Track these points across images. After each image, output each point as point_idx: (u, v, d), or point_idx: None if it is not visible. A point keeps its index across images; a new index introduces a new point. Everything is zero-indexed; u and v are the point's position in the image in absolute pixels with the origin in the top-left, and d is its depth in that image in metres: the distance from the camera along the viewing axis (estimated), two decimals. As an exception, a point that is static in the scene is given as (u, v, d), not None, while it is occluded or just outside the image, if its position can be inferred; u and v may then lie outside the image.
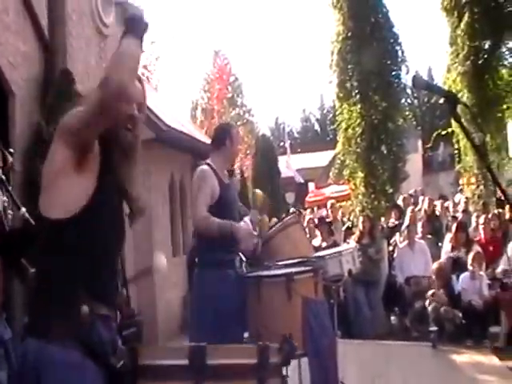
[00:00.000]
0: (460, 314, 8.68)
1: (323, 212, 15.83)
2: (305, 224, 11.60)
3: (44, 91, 7.11)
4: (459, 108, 2.37)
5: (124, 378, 2.28)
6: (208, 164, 5.04)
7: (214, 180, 4.92)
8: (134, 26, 2.23)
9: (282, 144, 43.30)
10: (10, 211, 4.08)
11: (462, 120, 2.50)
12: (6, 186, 4.12)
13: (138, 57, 2.22)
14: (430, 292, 8.95)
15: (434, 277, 9.19)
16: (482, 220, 10.28)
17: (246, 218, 5.96)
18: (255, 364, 2.39)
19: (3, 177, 4.20)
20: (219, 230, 4.75)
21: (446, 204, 14.05)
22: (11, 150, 4.69)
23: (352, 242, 9.69)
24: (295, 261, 5.16)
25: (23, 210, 3.97)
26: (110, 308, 2.37)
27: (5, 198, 4.07)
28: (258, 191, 8.41)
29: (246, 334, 4.71)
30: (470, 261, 9.00)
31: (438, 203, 13.81)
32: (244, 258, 5.09)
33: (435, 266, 9.28)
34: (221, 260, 4.80)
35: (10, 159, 4.45)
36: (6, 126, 6.68)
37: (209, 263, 4.88)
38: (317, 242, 10.29)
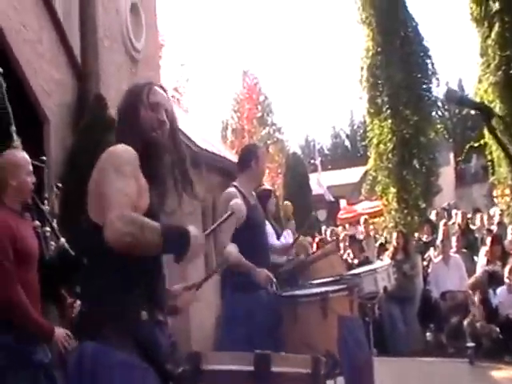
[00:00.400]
0: (497, 329, 8.56)
1: (356, 229, 15.77)
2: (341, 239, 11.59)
3: (77, 117, 7.24)
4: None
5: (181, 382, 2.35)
6: (235, 186, 5.07)
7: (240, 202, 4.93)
8: (175, 247, 2.31)
9: (312, 161, 43.28)
10: (51, 242, 4.16)
11: (497, 131, 2.50)
12: (48, 218, 4.21)
13: (150, 244, 2.25)
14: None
15: (470, 292, 9.08)
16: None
17: (286, 233, 6.02)
18: (309, 374, 2.43)
19: (47, 207, 4.30)
20: (237, 267, 4.69)
21: (478, 216, 13.90)
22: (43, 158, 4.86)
23: (386, 259, 9.63)
24: (330, 279, 5.17)
25: (62, 240, 4.04)
26: (164, 314, 2.46)
27: (47, 229, 4.15)
28: (287, 203, 8.48)
29: (282, 354, 4.71)
30: (506, 273, 8.87)
31: (473, 216, 13.67)
32: (274, 279, 5.09)
33: (471, 280, 9.17)
34: (251, 281, 4.79)
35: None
36: (41, 151, 6.80)
37: (239, 285, 4.88)
38: (348, 258, 10.26)
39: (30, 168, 3.75)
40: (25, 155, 3.82)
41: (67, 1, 7.85)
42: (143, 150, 2.48)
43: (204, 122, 33.56)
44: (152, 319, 2.37)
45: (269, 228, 5.98)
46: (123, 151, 2.41)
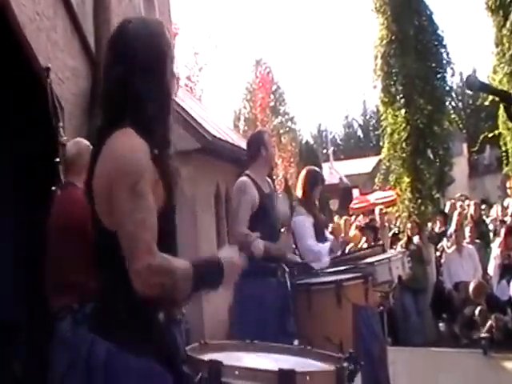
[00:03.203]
0: (510, 320, 8.53)
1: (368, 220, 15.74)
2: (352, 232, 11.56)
3: (92, 105, 7.25)
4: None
5: None
6: (247, 175, 5.08)
7: (253, 191, 4.95)
8: (208, 284, 2.24)
9: (325, 151, 43.22)
10: None
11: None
12: None
13: (182, 291, 2.14)
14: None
15: (472, 297, 9.01)
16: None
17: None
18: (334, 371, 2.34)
19: None
20: (257, 251, 4.72)
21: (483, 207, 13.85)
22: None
23: (399, 248, 9.60)
24: (344, 267, 5.16)
25: None
26: (180, 311, 2.38)
27: None
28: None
29: (295, 342, 4.70)
30: (520, 264, 8.85)
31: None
32: (287, 268, 5.09)
33: (472, 286, 9.08)
34: (263, 268, 4.79)
35: None
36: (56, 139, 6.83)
37: (251, 272, 4.89)
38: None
39: None
40: None
41: (81, -12, 7.85)
42: (158, 122, 2.22)
43: (217, 111, 33.58)
44: (169, 320, 2.23)
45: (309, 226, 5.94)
46: (134, 157, 2.10)
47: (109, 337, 2.12)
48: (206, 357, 2.27)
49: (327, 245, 5.75)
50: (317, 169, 6.52)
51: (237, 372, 2.22)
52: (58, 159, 5.10)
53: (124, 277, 2.06)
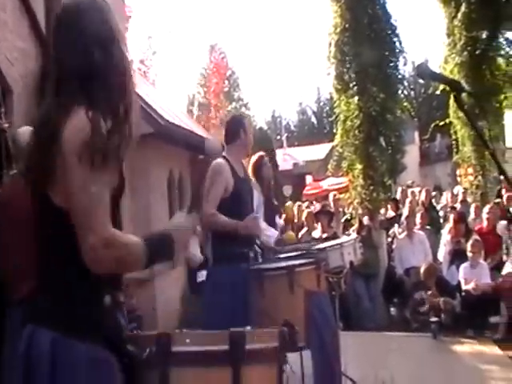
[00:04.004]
0: (458, 304, 8.71)
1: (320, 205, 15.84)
2: (303, 217, 11.60)
3: (41, 86, 7.09)
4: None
5: (148, 366, 2.19)
6: (224, 157, 5.03)
7: (228, 174, 4.92)
8: (161, 258, 2.23)
9: (278, 137, 43.33)
10: None
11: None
12: None
13: (135, 265, 2.16)
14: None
15: (422, 278, 9.14)
16: (486, 209, 10.25)
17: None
18: (276, 347, 2.38)
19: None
20: (224, 229, 4.76)
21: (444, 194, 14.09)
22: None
23: (353, 234, 9.68)
24: (297, 253, 5.17)
25: None
26: (123, 293, 2.34)
27: None
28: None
29: (248, 328, 4.71)
30: (469, 248, 9.00)
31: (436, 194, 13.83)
32: (260, 250, 5.09)
33: (422, 268, 9.22)
34: (232, 253, 4.78)
35: None
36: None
37: (221, 257, 4.88)
38: (317, 233, 10.29)
39: None
40: None
41: (31, -32, 7.65)
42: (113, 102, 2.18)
43: (170, 96, 33.31)
44: (114, 303, 2.20)
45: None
46: (95, 132, 2.05)
47: (54, 326, 2.06)
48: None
49: (276, 233, 5.78)
50: (263, 154, 6.54)
51: (188, 340, 2.21)
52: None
53: (72, 259, 2.03)
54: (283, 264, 4.71)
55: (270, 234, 5.83)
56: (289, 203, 15.67)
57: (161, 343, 2.18)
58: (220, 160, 4.98)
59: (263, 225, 5.70)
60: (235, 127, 5.17)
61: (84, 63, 2.13)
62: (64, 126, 2.07)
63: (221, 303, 4.69)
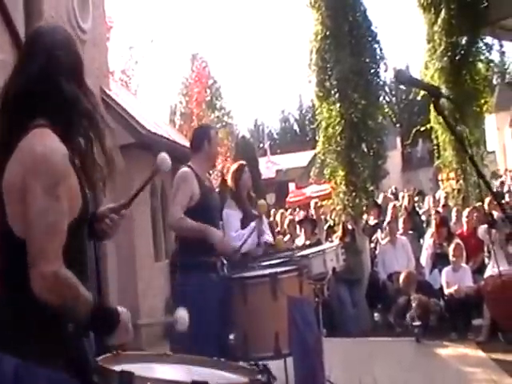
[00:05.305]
0: (442, 307, 8.77)
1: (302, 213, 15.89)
2: (285, 225, 11.64)
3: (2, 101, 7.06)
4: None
5: None
6: (189, 166, 5.06)
7: (194, 182, 4.94)
8: (100, 328, 2.17)
9: (261, 145, 43.41)
10: None
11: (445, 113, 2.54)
12: None
13: (77, 314, 2.07)
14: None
15: (402, 286, 9.20)
16: (465, 213, 10.34)
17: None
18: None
19: None
20: (192, 232, 4.76)
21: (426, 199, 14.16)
22: None
23: (335, 241, 9.72)
24: (279, 260, 5.19)
25: None
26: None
27: None
28: (261, 202, 8.75)
29: (231, 336, 4.71)
30: (451, 252, 9.07)
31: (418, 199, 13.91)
32: (225, 261, 5.09)
33: (402, 276, 9.27)
34: (202, 262, 4.78)
35: None
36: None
37: (190, 266, 4.86)
38: (300, 241, 10.32)
39: None
40: None
41: (11, -21, 7.64)
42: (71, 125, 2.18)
43: (152, 106, 33.27)
44: (79, 330, 2.14)
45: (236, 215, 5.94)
46: (55, 159, 2.03)
47: (16, 352, 2.03)
48: (119, 367, 2.17)
49: (245, 231, 5.76)
50: (243, 162, 6.55)
51: (148, 383, 2.17)
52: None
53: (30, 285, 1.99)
54: (266, 271, 4.73)
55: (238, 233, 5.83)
56: (272, 211, 15.71)
57: (123, 382, 2.09)
58: (185, 168, 5.02)
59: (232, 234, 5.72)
60: (200, 137, 5.20)
61: (48, 87, 2.15)
62: (20, 145, 2.06)
63: (193, 313, 4.68)
